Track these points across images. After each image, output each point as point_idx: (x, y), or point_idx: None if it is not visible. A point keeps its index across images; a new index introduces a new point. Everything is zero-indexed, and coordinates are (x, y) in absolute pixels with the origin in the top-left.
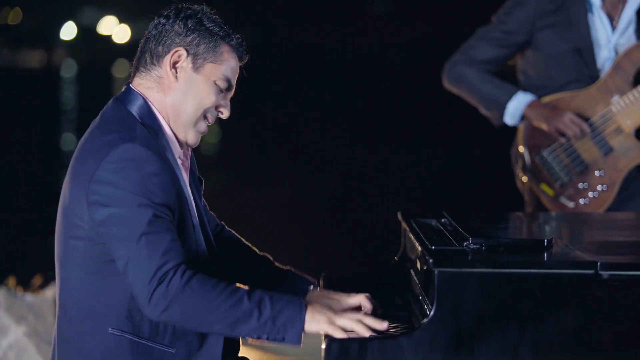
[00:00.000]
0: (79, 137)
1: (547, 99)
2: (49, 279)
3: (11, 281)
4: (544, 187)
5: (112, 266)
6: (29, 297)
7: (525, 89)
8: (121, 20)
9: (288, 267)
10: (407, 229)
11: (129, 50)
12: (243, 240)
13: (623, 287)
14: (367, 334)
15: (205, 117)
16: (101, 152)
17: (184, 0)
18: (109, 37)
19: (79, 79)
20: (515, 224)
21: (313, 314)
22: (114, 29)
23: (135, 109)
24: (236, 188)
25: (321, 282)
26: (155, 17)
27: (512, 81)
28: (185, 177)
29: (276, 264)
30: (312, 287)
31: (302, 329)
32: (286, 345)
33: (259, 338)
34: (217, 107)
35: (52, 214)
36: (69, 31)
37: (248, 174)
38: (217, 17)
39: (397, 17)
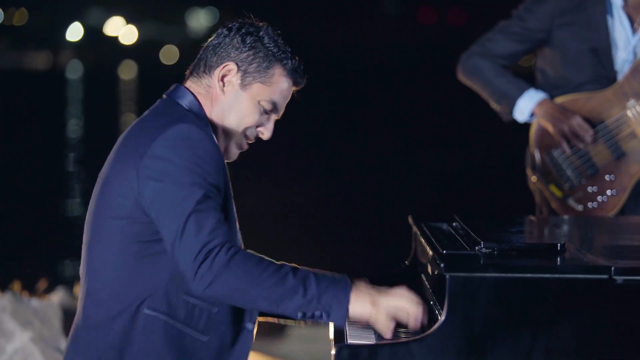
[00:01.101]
0: (86, 139)
1: (561, 98)
2: (54, 284)
3: (16, 286)
4: (553, 188)
5: (151, 246)
6: (34, 302)
7: (543, 88)
8: (128, 21)
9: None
10: (418, 232)
11: (135, 52)
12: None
13: (637, 292)
14: (410, 322)
15: (246, 135)
16: (156, 132)
17: (250, 15)
18: (115, 38)
19: (85, 81)
20: (528, 227)
21: (358, 295)
22: (121, 29)
23: (185, 102)
24: (245, 190)
25: None
26: (221, 27)
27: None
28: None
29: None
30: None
31: (348, 308)
32: (329, 324)
33: (303, 317)
34: (258, 127)
35: (57, 220)
36: (75, 32)
37: (257, 176)
38: (279, 37)
39: (408, 17)
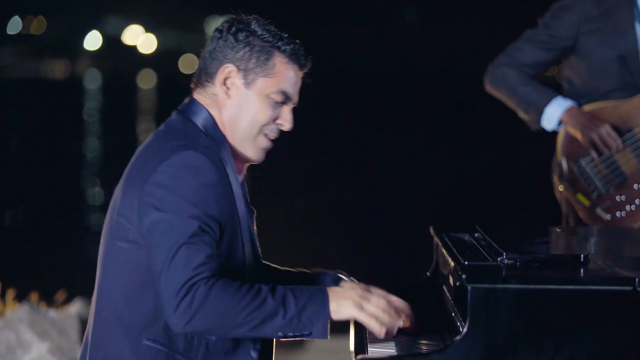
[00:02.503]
0: (103, 151)
1: (589, 107)
2: (72, 295)
3: (34, 297)
4: (580, 197)
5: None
6: (52, 312)
7: (569, 96)
8: (147, 30)
9: (316, 269)
10: (440, 243)
11: (155, 61)
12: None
13: None
14: (392, 322)
15: (264, 133)
16: (161, 156)
17: (238, 11)
18: (134, 47)
19: (103, 90)
20: (551, 238)
21: (338, 301)
22: (139, 38)
23: (199, 120)
24: (261, 199)
25: None
26: (213, 31)
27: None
28: (238, 190)
29: (304, 270)
30: (343, 278)
31: (328, 321)
32: (313, 338)
33: (284, 336)
34: (276, 120)
35: (75, 231)
36: (93, 41)
37: (274, 185)
38: (271, 26)
39: (428, 25)
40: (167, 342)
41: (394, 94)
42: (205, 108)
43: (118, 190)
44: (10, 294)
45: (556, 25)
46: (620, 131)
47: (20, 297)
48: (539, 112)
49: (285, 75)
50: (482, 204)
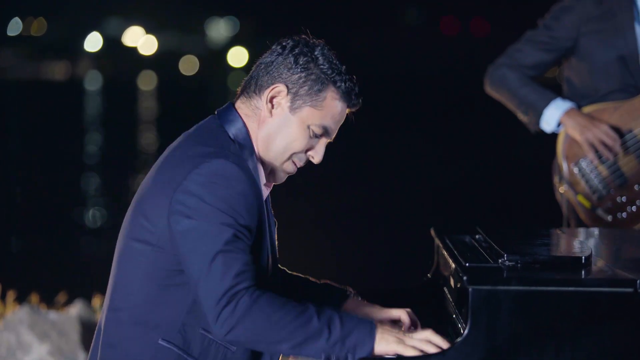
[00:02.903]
0: (104, 153)
1: (589, 108)
2: (73, 297)
3: (35, 298)
4: (581, 198)
5: (175, 277)
6: (52, 314)
7: (569, 98)
8: (147, 31)
9: (324, 281)
10: (441, 245)
11: (155, 62)
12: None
13: None
14: (434, 350)
15: (293, 160)
16: (192, 163)
17: (306, 31)
18: (134, 49)
19: (104, 92)
20: (552, 240)
21: (382, 334)
22: (140, 39)
23: (233, 130)
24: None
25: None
26: (275, 44)
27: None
28: (263, 205)
29: (310, 278)
30: (350, 294)
31: (372, 351)
32: None
33: (327, 359)
34: (307, 151)
35: (76, 232)
36: (93, 42)
37: (275, 187)
38: (335, 57)
39: (429, 28)
40: (181, 344)
41: (395, 95)
42: (241, 119)
43: (143, 190)
44: (11, 295)
45: (556, 26)
46: (620, 132)
47: (21, 299)
48: (538, 114)
49: (332, 111)
50: (483, 205)
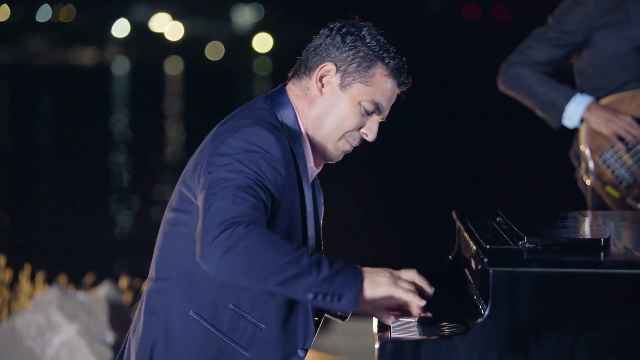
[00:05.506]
0: (133, 136)
1: (606, 100)
2: (100, 278)
3: (63, 279)
4: (609, 189)
5: None
6: (81, 295)
7: (583, 89)
8: (174, 17)
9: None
10: (462, 228)
11: (181, 48)
12: None
13: None
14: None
15: (347, 139)
16: (231, 131)
17: (354, 15)
18: (161, 35)
19: (131, 77)
20: (572, 223)
21: (372, 278)
22: (167, 26)
23: (282, 113)
24: None
25: None
26: (323, 28)
27: (570, 82)
28: (308, 187)
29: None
30: None
31: (360, 290)
32: (340, 310)
33: (314, 298)
34: (360, 129)
35: (104, 213)
36: (121, 28)
37: None
38: (382, 37)
39: (452, 14)
40: (211, 318)
41: (420, 82)
42: (291, 103)
43: (189, 164)
44: (40, 276)
45: (567, 20)
46: (639, 121)
47: (50, 280)
48: (559, 112)
49: (382, 87)
50: (507, 192)
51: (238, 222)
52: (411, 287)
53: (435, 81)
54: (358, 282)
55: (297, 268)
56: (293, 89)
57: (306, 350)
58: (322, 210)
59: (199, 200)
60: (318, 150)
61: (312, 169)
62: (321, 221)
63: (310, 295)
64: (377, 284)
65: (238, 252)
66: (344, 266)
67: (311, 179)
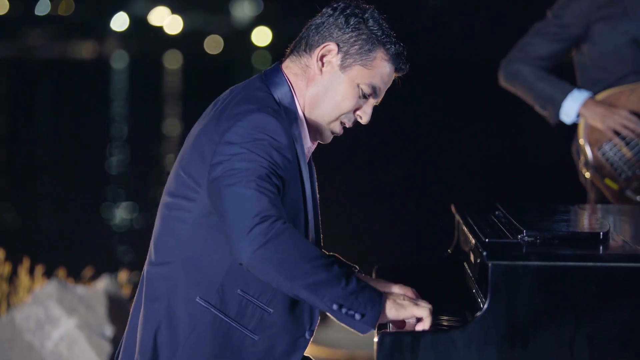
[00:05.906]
0: (130, 129)
1: (604, 93)
2: (99, 271)
3: (62, 273)
4: (608, 181)
5: (216, 234)
6: (79, 288)
7: (583, 83)
8: (173, 11)
9: (331, 254)
10: (461, 221)
11: (181, 41)
12: None
13: None
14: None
15: (341, 120)
16: (235, 118)
17: None
18: (160, 28)
19: (130, 70)
20: (571, 216)
21: (394, 301)
22: (166, 19)
23: (278, 93)
24: None
25: (374, 275)
26: (326, 7)
27: (570, 76)
28: (306, 169)
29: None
30: (356, 271)
31: (381, 312)
32: (358, 329)
33: (338, 309)
34: (355, 111)
35: (102, 206)
36: (120, 22)
37: None
38: (385, 21)
39: (452, 9)
40: (218, 304)
41: (419, 77)
42: (287, 82)
43: (186, 148)
44: (39, 270)
45: (565, 14)
46: (638, 114)
47: (49, 274)
48: (557, 107)
49: (381, 70)
50: (504, 185)
51: (272, 216)
52: (430, 306)
53: (434, 76)
54: (380, 303)
55: (328, 273)
56: (291, 67)
57: (312, 332)
58: (316, 185)
59: (212, 190)
60: (311, 129)
61: (309, 148)
62: (317, 196)
63: (335, 306)
64: (401, 307)
65: (275, 247)
66: (368, 285)
67: (307, 158)
